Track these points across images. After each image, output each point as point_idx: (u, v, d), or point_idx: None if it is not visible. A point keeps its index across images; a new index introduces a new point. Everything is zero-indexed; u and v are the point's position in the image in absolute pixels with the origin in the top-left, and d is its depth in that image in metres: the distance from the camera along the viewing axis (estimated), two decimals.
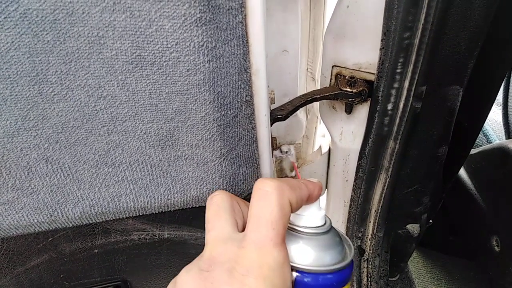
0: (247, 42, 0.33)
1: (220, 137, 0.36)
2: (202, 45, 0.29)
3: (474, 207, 0.69)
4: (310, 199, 0.34)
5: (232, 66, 0.33)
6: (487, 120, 0.79)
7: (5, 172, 0.33)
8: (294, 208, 0.31)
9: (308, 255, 0.33)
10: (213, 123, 0.34)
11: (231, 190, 0.41)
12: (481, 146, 0.73)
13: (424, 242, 1.02)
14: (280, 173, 0.65)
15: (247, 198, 0.45)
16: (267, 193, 0.29)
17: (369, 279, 0.70)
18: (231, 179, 0.40)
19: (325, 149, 0.65)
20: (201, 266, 0.29)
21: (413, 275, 1.03)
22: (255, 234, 0.28)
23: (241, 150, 0.39)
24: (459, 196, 0.74)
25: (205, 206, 0.43)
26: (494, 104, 0.82)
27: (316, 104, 0.67)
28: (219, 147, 0.37)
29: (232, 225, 0.32)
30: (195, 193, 0.40)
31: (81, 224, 0.40)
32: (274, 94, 0.49)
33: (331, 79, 0.53)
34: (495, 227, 0.65)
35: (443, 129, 0.51)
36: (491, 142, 0.74)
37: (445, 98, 0.47)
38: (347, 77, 0.51)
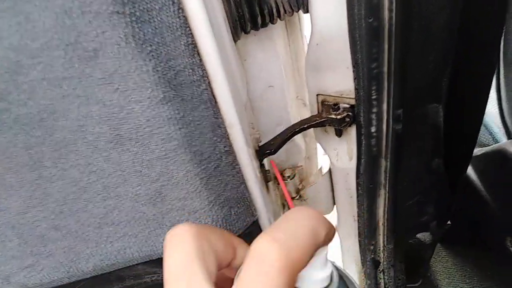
0: (215, 103, 0.36)
1: (205, 187, 0.39)
2: (171, 118, 0.33)
3: (486, 208, 0.69)
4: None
5: (205, 126, 0.36)
6: (492, 118, 0.78)
7: (22, 242, 0.38)
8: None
9: None
10: (195, 178, 0.38)
11: (225, 230, 0.44)
12: (488, 145, 0.73)
13: (454, 240, 1.00)
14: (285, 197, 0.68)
15: (245, 233, 0.48)
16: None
17: None
18: (224, 220, 0.43)
19: (326, 168, 0.67)
20: None
21: (441, 276, 1.02)
22: None
23: (229, 193, 0.42)
24: (471, 197, 0.73)
25: None
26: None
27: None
28: (206, 196, 0.40)
29: (205, 281, 0.23)
30: None
31: (97, 274, 0.45)
32: (259, 133, 0.52)
33: (318, 106, 0.56)
34: (508, 228, 0.65)
35: (431, 144, 0.52)
36: (497, 141, 0.73)
37: (425, 116, 0.48)
38: (331, 104, 0.53)
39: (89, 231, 0.39)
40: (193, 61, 0.32)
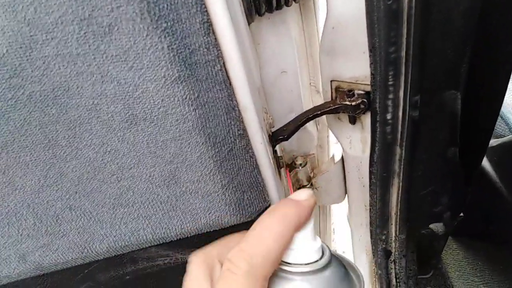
0: (230, 85, 0.36)
1: (219, 170, 0.39)
2: (186, 98, 0.32)
3: (500, 200, 0.68)
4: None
5: (219, 108, 0.36)
6: (508, 108, 0.76)
7: (38, 221, 0.39)
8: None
9: None
10: (209, 160, 0.38)
11: (238, 215, 0.44)
12: (504, 135, 0.71)
13: (465, 233, 0.99)
14: (297, 184, 0.67)
15: (256, 219, 0.48)
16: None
17: (397, 279, 0.71)
18: (237, 205, 0.43)
19: (339, 157, 0.66)
20: None
21: (452, 268, 1.01)
22: None
23: (242, 178, 0.42)
24: (485, 189, 0.72)
25: (218, 230, 0.47)
26: None
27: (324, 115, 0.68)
28: (219, 179, 0.40)
29: None
30: (205, 221, 0.43)
31: (110, 256, 0.45)
32: (272, 118, 0.51)
33: (331, 92, 0.55)
34: None
35: (448, 132, 0.51)
36: None
37: (443, 103, 0.47)
38: (345, 90, 0.53)
39: (103, 212, 0.39)
40: (208, 40, 0.31)
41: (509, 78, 0.54)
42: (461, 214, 0.73)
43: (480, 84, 0.51)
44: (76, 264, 0.45)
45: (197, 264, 0.33)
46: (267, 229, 0.30)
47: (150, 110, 0.32)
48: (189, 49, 0.30)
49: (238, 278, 0.27)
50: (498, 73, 0.51)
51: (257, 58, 0.51)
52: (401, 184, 0.57)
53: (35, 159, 0.34)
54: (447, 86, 0.46)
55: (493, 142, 0.69)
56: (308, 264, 0.29)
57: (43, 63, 0.28)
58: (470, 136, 0.57)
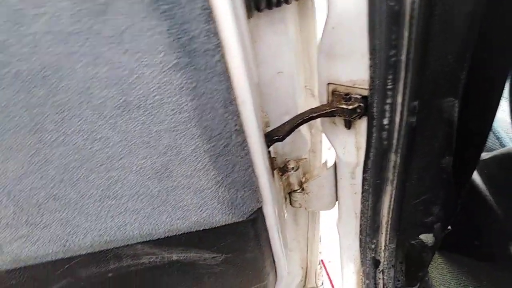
0: (229, 77, 0.35)
1: (213, 166, 0.38)
2: (183, 87, 0.31)
3: (490, 213, 0.68)
4: None
5: (217, 101, 0.34)
6: (499, 123, 0.77)
7: (18, 210, 0.37)
8: None
9: None
10: (204, 154, 0.36)
11: (230, 214, 0.43)
12: (495, 149, 0.71)
13: (450, 247, 0.99)
14: (288, 188, 0.66)
15: (249, 219, 0.46)
16: None
17: None
18: (229, 203, 0.42)
19: (331, 162, 0.65)
20: None
21: (437, 282, 1.00)
22: None
23: (236, 175, 0.41)
24: (474, 202, 0.72)
25: (208, 229, 0.45)
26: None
27: (319, 119, 0.68)
28: (213, 176, 0.38)
29: None
30: (196, 218, 0.42)
31: (94, 251, 0.43)
32: (268, 117, 0.50)
33: (328, 96, 0.54)
34: None
35: (444, 140, 0.51)
36: (504, 145, 0.72)
37: (440, 110, 0.47)
38: (342, 93, 0.52)
39: (89, 204, 0.37)
40: (208, 28, 0.30)
41: (503, 88, 0.54)
42: (449, 227, 0.73)
43: (476, 94, 0.51)
44: (56, 258, 0.43)
45: None
46: None
47: (145, 98, 0.31)
48: (188, 35, 0.29)
49: None
50: (494, 83, 0.51)
51: (254, 55, 0.50)
52: (393, 192, 0.57)
53: (19, 143, 0.32)
54: (446, 92, 0.45)
55: (484, 155, 0.69)
56: None
57: (32, 39, 0.26)
58: (463, 147, 0.57)
